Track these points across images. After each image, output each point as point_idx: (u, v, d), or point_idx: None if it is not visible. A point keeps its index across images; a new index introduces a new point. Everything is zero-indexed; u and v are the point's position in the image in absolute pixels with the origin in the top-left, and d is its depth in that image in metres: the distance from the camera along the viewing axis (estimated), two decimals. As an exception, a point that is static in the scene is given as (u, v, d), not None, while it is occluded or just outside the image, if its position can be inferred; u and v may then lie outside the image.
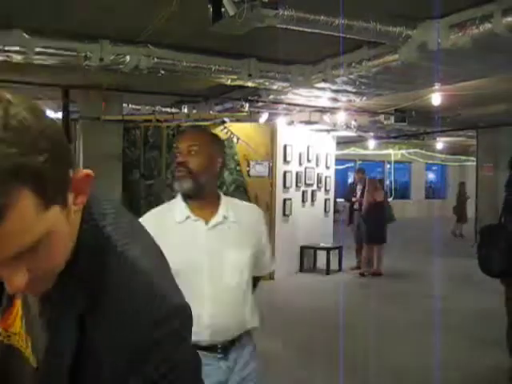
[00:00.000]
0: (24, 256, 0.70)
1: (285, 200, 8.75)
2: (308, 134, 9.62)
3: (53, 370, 0.83)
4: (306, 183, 9.34)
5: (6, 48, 5.03)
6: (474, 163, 14.21)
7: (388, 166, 21.80)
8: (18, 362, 0.91)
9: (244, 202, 2.21)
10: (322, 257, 9.34)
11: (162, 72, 5.80)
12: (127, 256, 0.83)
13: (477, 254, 4.47)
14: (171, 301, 0.83)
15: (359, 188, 9.61)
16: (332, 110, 9.30)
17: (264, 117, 9.04)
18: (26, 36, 4.97)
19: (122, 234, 0.86)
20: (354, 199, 9.69)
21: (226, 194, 2.12)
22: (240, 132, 8.54)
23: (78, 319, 0.81)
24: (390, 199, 11.63)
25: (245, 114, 8.60)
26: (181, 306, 0.84)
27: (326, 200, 10.01)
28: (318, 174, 9.68)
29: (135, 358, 0.79)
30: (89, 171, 0.78)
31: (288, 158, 8.80)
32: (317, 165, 9.63)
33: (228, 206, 2.02)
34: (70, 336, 0.82)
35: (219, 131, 8.63)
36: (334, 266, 9.22)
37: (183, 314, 0.84)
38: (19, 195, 0.65)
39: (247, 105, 8.21)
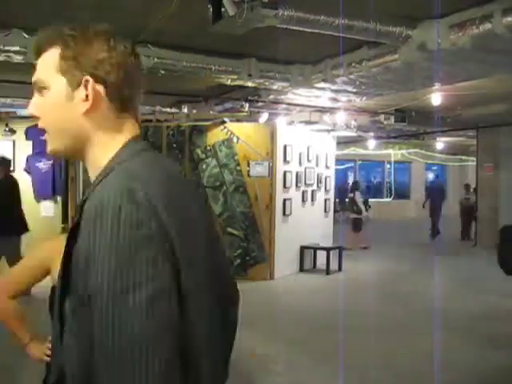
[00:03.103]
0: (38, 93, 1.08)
1: (285, 200, 8.74)
2: (308, 134, 9.62)
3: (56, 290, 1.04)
4: (305, 183, 9.33)
5: (6, 48, 5.02)
6: (474, 163, 14.20)
7: (388, 166, 21.81)
8: None
9: None
10: (322, 257, 9.34)
11: (162, 72, 5.79)
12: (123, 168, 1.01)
13: (497, 252, 4.40)
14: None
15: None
16: (332, 110, 9.29)
17: (264, 117, 9.03)
18: (26, 36, 4.97)
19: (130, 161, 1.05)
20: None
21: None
22: (240, 132, 8.54)
23: (77, 228, 0.95)
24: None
25: (245, 113, 8.59)
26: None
27: (325, 200, 10.01)
28: (318, 174, 9.68)
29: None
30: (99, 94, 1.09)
31: (288, 158, 8.80)
32: (317, 165, 9.63)
33: None
34: (69, 246, 0.97)
35: (219, 131, 8.64)
36: (334, 266, 9.22)
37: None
38: (53, 48, 1.07)
39: (247, 105, 8.20)
